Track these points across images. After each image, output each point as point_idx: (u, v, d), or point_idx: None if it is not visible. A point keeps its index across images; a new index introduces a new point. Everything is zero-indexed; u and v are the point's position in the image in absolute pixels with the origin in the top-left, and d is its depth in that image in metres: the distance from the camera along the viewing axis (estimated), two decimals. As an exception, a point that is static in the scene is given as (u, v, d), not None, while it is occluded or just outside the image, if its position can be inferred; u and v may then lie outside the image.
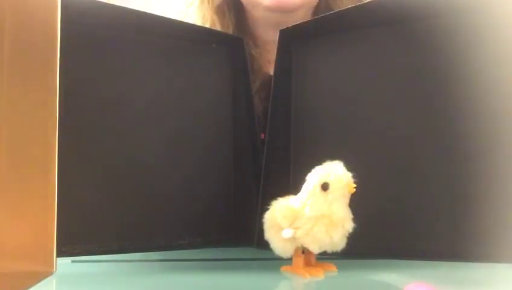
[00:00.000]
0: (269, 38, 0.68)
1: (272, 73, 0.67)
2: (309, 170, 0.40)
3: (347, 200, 0.39)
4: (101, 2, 0.46)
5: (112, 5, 0.49)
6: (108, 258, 0.47)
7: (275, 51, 0.54)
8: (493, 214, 0.41)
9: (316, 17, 0.58)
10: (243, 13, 0.70)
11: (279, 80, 0.52)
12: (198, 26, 0.63)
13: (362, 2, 0.51)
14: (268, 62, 0.68)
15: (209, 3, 0.69)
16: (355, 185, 0.38)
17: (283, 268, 0.41)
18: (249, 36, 0.69)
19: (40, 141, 0.37)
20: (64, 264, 0.43)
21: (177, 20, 0.62)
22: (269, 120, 0.51)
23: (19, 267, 0.36)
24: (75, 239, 0.43)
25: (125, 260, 0.47)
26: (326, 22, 0.51)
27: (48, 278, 0.37)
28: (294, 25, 0.52)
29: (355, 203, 0.39)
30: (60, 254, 0.38)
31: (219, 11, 0.69)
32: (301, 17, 0.64)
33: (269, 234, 0.41)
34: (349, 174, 0.39)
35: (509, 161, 0.41)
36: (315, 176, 0.39)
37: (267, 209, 0.41)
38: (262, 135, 0.56)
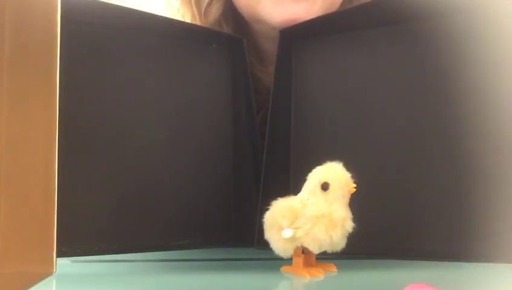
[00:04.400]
0: (274, 49, 0.58)
1: None
2: (309, 170, 0.40)
3: (347, 200, 0.39)
4: (101, 1, 0.46)
5: (112, 4, 0.49)
6: (108, 258, 0.47)
7: None
8: (493, 214, 0.41)
9: (316, 17, 0.57)
10: (243, 26, 0.65)
11: (279, 80, 0.52)
12: (198, 26, 0.62)
13: (362, 3, 0.51)
14: None
15: (201, 19, 0.63)
16: (355, 185, 0.38)
17: (283, 268, 0.41)
18: (250, 50, 0.59)
19: (40, 141, 0.37)
20: (64, 264, 0.43)
21: (177, 20, 0.62)
22: (269, 120, 0.51)
23: (19, 267, 0.36)
24: (75, 239, 0.43)
25: (125, 260, 0.47)
26: (326, 22, 0.51)
27: (48, 278, 0.37)
28: (294, 25, 0.52)
29: (356, 203, 0.39)
30: (60, 254, 0.38)
31: (214, 26, 0.63)
32: None
33: (269, 234, 0.41)
34: (349, 174, 0.39)
35: (510, 160, 0.41)
36: (315, 176, 0.39)
37: (267, 209, 0.41)
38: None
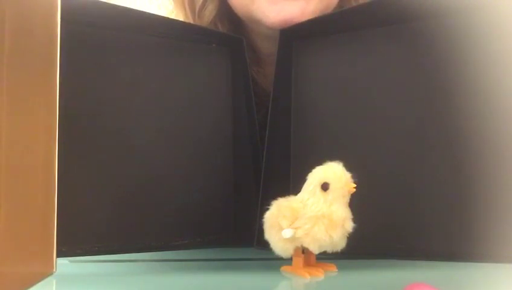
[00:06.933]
0: (272, 50, 0.57)
1: None
2: (309, 170, 0.40)
3: (347, 200, 0.39)
4: (101, 1, 0.46)
5: (112, 4, 0.49)
6: (108, 258, 0.47)
7: None
8: (493, 214, 0.41)
9: (316, 17, 0.57)
10: (239, 26, 0.64)
11: (279, 80, 0.52)
12: (198, 26, 0.62)
13: (361, 2, 0.51)
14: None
15: (195, 21, 0.62)
16: (355, 185, 0.38)
17: (283, 268, 0.41)
18: (248, 51, 0.57)
19: (40, 141, 0.37)
20: (64, 264, 0.43)
21: (177, 20, 0.62)
22: (269, 120, 0.51)
23: (19, 267, 0.36)
24: (75, 239, 0.43)
25: (125, 260, 0.47)
26: (326, 22, 0.51)
27: (48, 278, 0.37)
28: (294, 25, 0.52)
29: (356, 203, 0.39)
30: (60, 254, 0.38)
31: (210, 27, 0.62)
32: None
33: (269, 234, 0.41)
34: (348, 174, 0.39)
35: (510, 161, 0.41)
36: (315, 176, 0.39)
37: (267, 209, 0.41)
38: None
